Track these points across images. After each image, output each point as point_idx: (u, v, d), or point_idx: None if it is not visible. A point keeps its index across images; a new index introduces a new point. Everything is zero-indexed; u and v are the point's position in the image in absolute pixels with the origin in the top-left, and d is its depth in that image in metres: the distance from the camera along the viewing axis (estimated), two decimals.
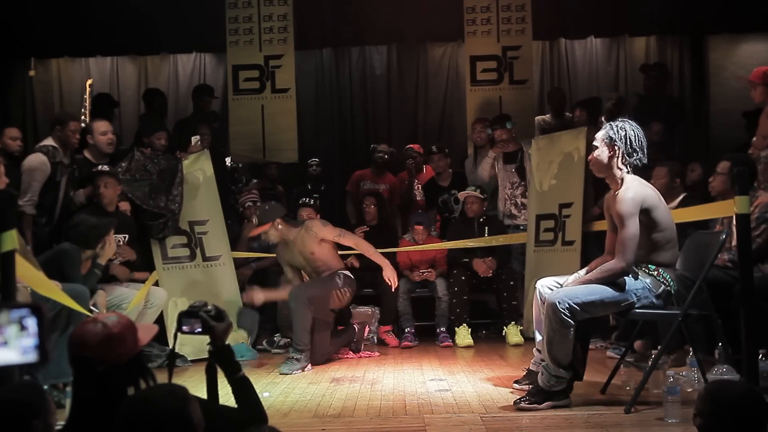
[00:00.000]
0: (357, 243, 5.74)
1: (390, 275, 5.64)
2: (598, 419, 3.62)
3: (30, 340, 1.80)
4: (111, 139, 5.79)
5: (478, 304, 6.73)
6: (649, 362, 4.11)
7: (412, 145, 7.38)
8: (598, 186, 5.52)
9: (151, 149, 6.16)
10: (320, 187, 7.30)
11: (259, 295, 5.62)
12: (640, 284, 3.82)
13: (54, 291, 4.17)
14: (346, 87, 8.80)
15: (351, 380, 4.85)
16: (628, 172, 3.88)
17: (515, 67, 7.70)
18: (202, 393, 2.46)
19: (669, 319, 3.89)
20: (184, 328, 2.55)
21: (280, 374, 5.07)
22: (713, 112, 8.43)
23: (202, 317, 2.53)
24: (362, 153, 8.07)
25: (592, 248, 5.45)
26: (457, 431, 3.53)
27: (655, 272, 3.85)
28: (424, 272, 6.47)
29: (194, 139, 6.31)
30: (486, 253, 6.41)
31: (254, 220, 5.40)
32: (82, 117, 7.34)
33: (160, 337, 5.11)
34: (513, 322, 6.17)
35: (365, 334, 6.04)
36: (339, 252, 5.80)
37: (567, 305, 3.74)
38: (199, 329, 2.54)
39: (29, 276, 3.99)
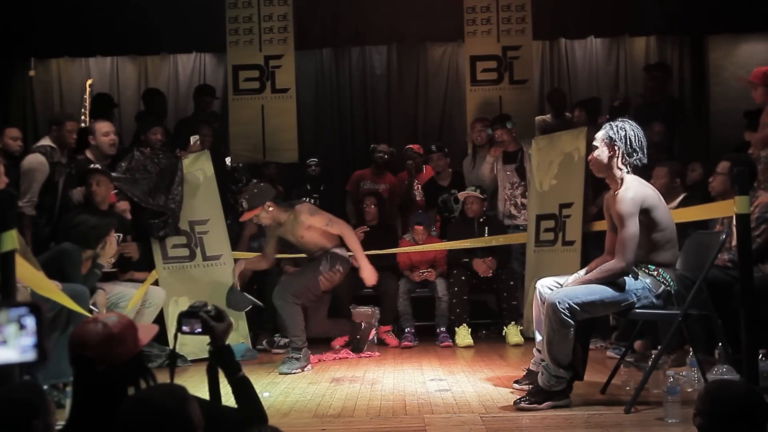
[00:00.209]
0: (344, 233, 5.53)
1: (367, 276, 5.56)
2: (598, 419, 3.62)
3: (29, 339, 1.80)
4: (113, 140, 5.77)
5: (478, 304, 6.73)
6: (649, 362, 4.11)
7: (412, 145, 7.38)
8: (597, 185, 5.54)
9: (150, 148, 6.16)
10: (320, 187, 7.30)
11: (241, 265, 5.66)
12: (640, 284, 3.82)
13: (54, 292, 4.17)
14: (346, 87, 8.79)
15: (351, 380, 4.85)
16: (628, 172, 3.89)
17: (515, 67, 7.70)
18: (202, 393, 2.46)
19: (669, 319, 3.89)
20: (184, 328, 2.55)
21: (280, 374, 5.07)
22: (713, 112, 8.43)
23: (202, 317, 2.53)
24: (362, 153, 8.06)
25: (592, 248, 5.45)
26: (457, 431, 3.53)
27: (655, 272, 3.85)
28: (424, 272, 6.47)
29: (193, 138, 6.30)
30: (486, 253, 6.41)
31: (244, 204, 5.36)
32: (82, 117, 7.35)
33: (160, 337, 5.11)
34: (513, 322, 6.18)
35: (369, 336, 6.01)
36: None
37: (567, 305, 3.74)
38: (199, 329, 2.54)
39: (29, 277, 3.99)
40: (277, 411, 3.97)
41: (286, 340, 5.94)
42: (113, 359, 2.12)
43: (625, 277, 3.80)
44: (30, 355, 1.80)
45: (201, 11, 7.78)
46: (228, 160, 7.36)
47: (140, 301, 5.29)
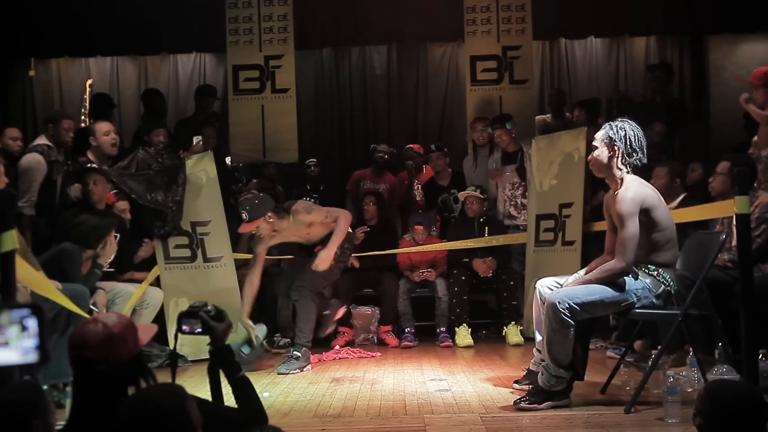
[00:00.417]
0: (339, 219, 5.41)
1: (317, 262, 5.32)
2: (598, 419, 3.62)
3: (31, 341, 1.79)
4: (114, 139, 5.74)
5: (478, 304, 6.73)
6: (649, 362, 4.11)
7: (411, 145, 7.37)
8: (594, 184, 5.55)
9: (153, 148, 6.15)
10: (319, 187, 7.30)
11: (247, 309, 5.43)
12: (640, 284, 3.82)
13: (53, 292, 4.16)
14: (346, 87, 8.79)
15: (351, 380, 4.85)
16: (627, 172, 3.89)
17: (515, 67, 7.71)
18: (203, 393, 2.46)
19: (669, 319, 3.90)
20: (184, 328, 2.55)
21: (278, 374, 5.07)
22: (713, 112, 8.43)
23: (202, 317, 2.54)
24: (362, 153, 8.06)
25: (592, 248, 5.45)
26: (457, 431, 3.53)
27: (655, 272, 3.85)
28: (424, 272, 6.46)
29: (196, 139, 6.30)
30: (486, 253, 6.41)
31: (244, 216, 5.35)
32: (82, 117, 7.34)
33: (160, 337, 5.11)
34: (513, 322, 6.18)
35: (330, 325, 5.84)
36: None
37: (567, 305, 3.74)
38: (199, 329, 2.54)
39: (29, 277, 3.98)
40: (277, 411, 3.97)
41: (286, 340, 5.95)
42: (113, 359, 2.12)
43: (625, 277, 3.80)
44: (32, 357, 1.79)
45: (201, 11, 7.79)
46: (228, 160, 7.36)
47: (138, 301, 5.29)
